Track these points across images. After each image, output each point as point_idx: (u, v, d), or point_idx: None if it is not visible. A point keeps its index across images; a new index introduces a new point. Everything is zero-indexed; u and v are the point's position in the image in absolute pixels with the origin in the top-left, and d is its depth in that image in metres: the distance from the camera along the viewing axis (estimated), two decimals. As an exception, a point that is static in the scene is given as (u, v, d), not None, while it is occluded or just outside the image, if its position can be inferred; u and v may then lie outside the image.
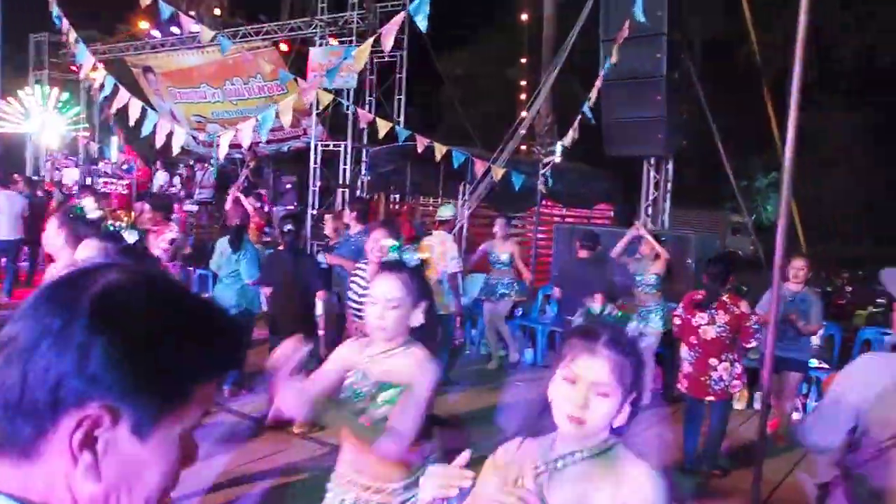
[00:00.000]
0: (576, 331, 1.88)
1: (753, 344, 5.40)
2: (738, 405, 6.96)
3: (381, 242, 5.03)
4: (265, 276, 6.10)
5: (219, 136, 9.07)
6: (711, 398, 5.39)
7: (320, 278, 6.10)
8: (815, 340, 8.27)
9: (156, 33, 17.16)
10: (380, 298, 2.51)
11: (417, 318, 2.55)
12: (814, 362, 7.47)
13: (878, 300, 11.79)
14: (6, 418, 0.73)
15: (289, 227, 6.06)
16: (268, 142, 15.99)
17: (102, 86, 8.68)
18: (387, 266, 2.64)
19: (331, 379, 2.59)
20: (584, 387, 1.66)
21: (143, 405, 0.76)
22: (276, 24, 15.47)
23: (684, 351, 5.59)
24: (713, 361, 5.33)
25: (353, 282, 5.38)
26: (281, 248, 6.10)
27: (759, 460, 4.22)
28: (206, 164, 15.55)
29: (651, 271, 7.38)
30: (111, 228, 3.46)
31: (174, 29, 14.47)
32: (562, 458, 1.71)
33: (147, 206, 7.84)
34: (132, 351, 0.75)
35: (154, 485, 0.80)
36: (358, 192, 13.26)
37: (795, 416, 6.91)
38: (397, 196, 14.71)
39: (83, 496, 0.75)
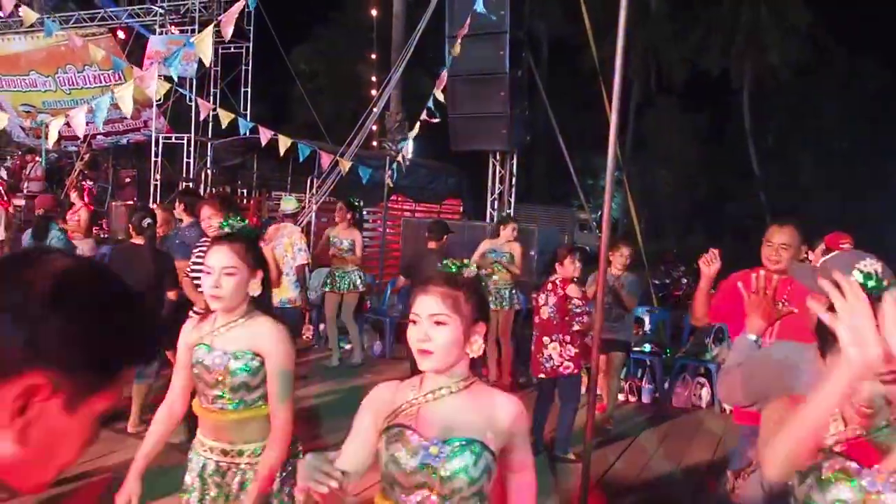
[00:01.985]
0: (415, 283, 2.07)
1: (576, 327, 5.61)
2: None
3: (210, 220, 4.88)
4: (118, 270, 5.74)
5: (47, 125, 8.52)
6: (542, 375, 5.65)
7: (174, 276, 5.83)
8: (647, 327, 8.79)
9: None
10: (214, 267, 2.47)
11: (256, 287, 2.53)
12: (647, 347, 7.90)
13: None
14: None
15: (148, 220, 5.74)
16: (106, 134, 15.19)
17: None
18: (220, 237, 2.60)
19: (183, 362, 2.61)
20: (423, 322, 1.87)
21: (80, 381, 0.84)
22: (112, 10, 14.73)
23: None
24: (545, 339, 5.60)
25: (196, 265, 5.04)
26: (138, 242, 5.71)
27: (588, 444, 4.37)
28: (35, 157, 14.55)
29: (505, 249, 7.62)
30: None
31: (-2, 11, 13.44)
32: (431, 393, 1.91)
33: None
34: (81, 330, 0.83)
35: (69, 457, 0.87)
36: (202, 186, 12.84)
37: (621, 396, 7.27)
38: (244, 191, 14.36)
39: (4, 456, 0.81)
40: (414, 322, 1.90)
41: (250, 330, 2.50)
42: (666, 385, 7.58)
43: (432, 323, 1.86)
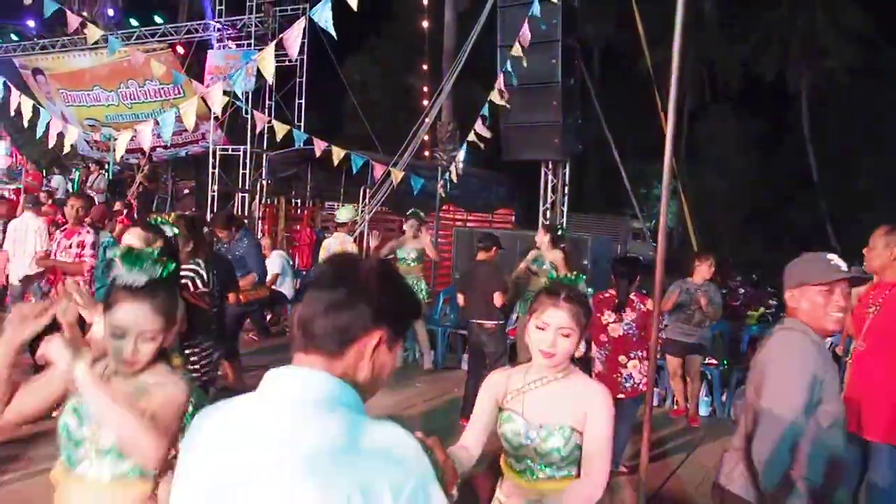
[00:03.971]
0: (542, 290, 2.45)
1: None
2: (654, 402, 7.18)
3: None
4: None
5: (115, 139, 8.78)
6: (622, 396, 5.37)
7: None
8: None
9: (45, 34, 16.49)
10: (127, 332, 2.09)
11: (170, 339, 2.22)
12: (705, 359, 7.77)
13: (770, 301, 12.37)
14: (333, 337, 1.30)
15: (204, 229, 5.88)
16: (165, 146, 15.58)
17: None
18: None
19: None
20: (552, 331, 2.30)
21: (396, 331, 1.38)
22: (171, 25, 15.11)
23: (594, 350, 5.58)
24: (622, 359, 5.39)
25: None
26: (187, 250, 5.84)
27: (645, 450, 4.31)
28: (99, 169, 14.99)
29: (548, 258, 7.46)
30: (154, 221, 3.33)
31: (64, 29, 13.96)
32: (536, 381, 2.38)
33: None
34: (396, 300, 1.38)
35: (385, 380, 1.41)
36: (258, 197, 13.07)
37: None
38: (298, 201, 14.56)
39: (362, 378, 1.34)
40: (541, 329, 2.33)
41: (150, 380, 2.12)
42: (724, 398, 7.43)
43: (560, 334, 2.30)
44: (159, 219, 2.94)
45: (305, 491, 1.16)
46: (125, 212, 9.03)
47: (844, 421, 2.58)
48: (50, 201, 10.92)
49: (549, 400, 2.35)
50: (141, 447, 1.93)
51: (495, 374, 2.52)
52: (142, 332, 2.05)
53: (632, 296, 5.47)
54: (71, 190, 15.46)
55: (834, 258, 2.50)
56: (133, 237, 3.25)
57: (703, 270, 6.74)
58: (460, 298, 7.54)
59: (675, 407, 7.05)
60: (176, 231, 3.02)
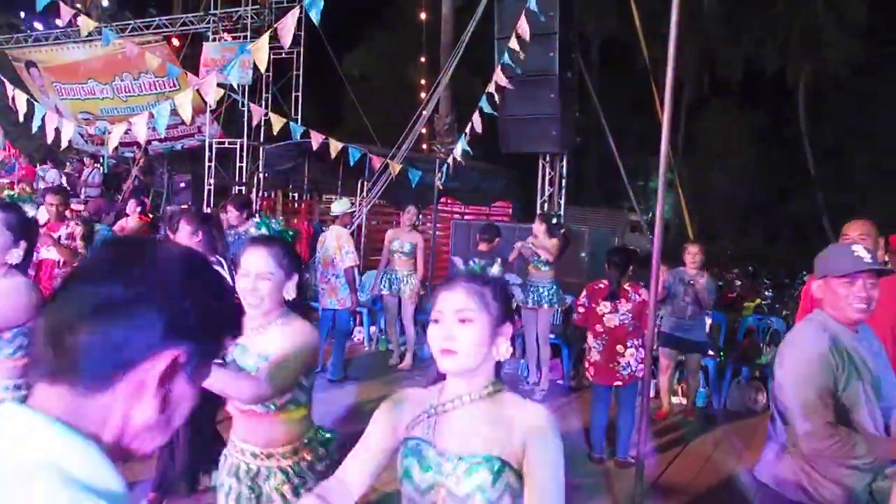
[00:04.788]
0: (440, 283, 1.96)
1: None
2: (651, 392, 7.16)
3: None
4: None
5: (109, 132, 8.74)
6: (619, 383, 5.48)
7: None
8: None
9: (38, 26, 16.41)
10: (250, 271, 2.47)
11: (291, 291, 2.52)
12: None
13: (766, 293, 12.41)
14: (97, 359, 0.87)
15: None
16: (161, 140, 15.54)
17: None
18: (256, 240, 2.59)
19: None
20: (448, 319, 1.73)
21: (203, 352, 0.96)
22: (167, 17, 15.05)
23: (591, 339, 5.64)
24: (619, 348, 5.45)
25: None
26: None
27: (641, 441, 4.31)
28: (94, 162, 14.94)
29: (544, 246, 7.44)
30: (11, 198, 3.29)
31: (58, 21, 13.86)
32: (451, 401, 1.76)
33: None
34: (206, 308, 0.95)
35: (179, 421, 0.97)
36: (255, 190, 13.03)
37: (675, 399, 7.19)
38: (296, 194, 14.53)
39: (137, 423, 0.91)
40: (436, 321, 1.75)
41: (283, 331, 2.48)
42: (721, 388, 7.44)
43: (457, 320, 1.72)
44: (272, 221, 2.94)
45: None
46: (139, 209, 9.02)
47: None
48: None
49: (469, 425, 1.74)
50: (252, 394, 2.29)
51: (401, 392, 1.92)
52: (259, 273, 2.44)
53: (626, 286, 5.53)
54: (65, 184, 15.42)
55: (858, 250, 2.58)
56: None
57: (689, 259, 6.73)
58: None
59: (660, 409, 6.85)
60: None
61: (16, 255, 2.70)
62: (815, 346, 2.52)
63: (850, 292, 2.53)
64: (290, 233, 2.77)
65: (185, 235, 4.49)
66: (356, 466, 1.85)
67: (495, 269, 1.86)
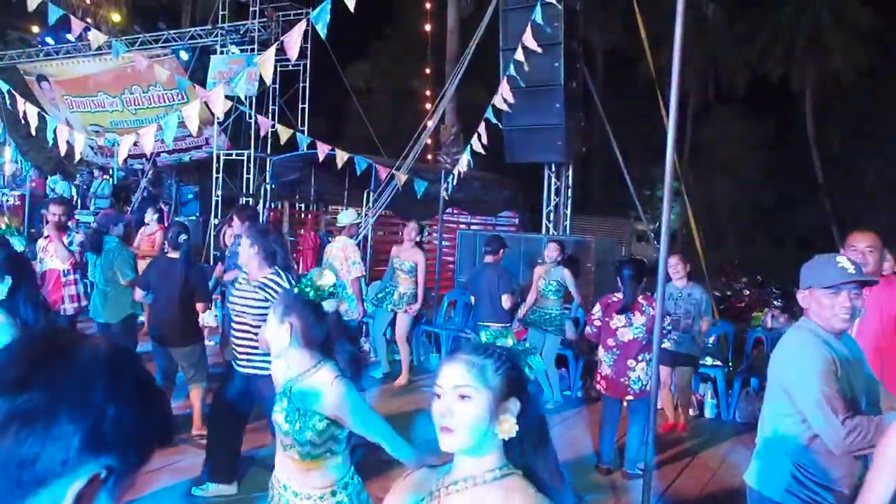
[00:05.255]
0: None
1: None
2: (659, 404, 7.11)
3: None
4: (149, 279, 5.93)
5: (118, 144, 8.81)
6: (630, 398, 5.45)
7: (205, 289, 6.05)
8: (710, 340, 8.59)
9: (50, 40, 16.56)
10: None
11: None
12: (708, 360, 7.73)
13: (775, 303, 12.37)
14: (5, 479, 0.77)
15: (183, 236, 5.93)
16: (169, 152, 15.64)
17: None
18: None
19: None
20: (447, 394, 1.63)
21: (128, 465, 0.85)
22: (175, 31, 15.17)
23: (602, 353, 5.59)
24: (631, 363, 5.39)
25: (234, 289, 4.82)
26: (173, 255, 5.92)
27: (649, 456, 4.31)
28: (104, 174, 15.06)
29: (554, 276, 7.40)
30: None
31: (69, 36, 14.00)
32: (453, 484, 1.65)
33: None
34: (133, 415, 0.84)
35: None
36: (262, 201, 13.10)
37: (691, 412, 7.16)
38: (302, 205, 14.58)
39: None
40: (438, 396, 1.66)
41: (317, 380, 2.64)
42: (729, 399, 7.41)
43: (456, 396, 1.61)
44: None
45: None
46: (156, 216, 9.11)
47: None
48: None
49: None
50: None
51: (410, 475, 1.84)
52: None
53: (640, 299, 5.46)
54: (75, 196, 15.53)
55: (842, 261, 2.67)
56: None
57: (671, 272, 6.30)
58: (473, 300, 7.53)
59: (666, 422, 6.75)
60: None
61: (1, 291, 2.74)
62: (817, 350, 2.58)
63: (835, 303, 2.60)
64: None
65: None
66: None
67: (508, 339, 1.73)
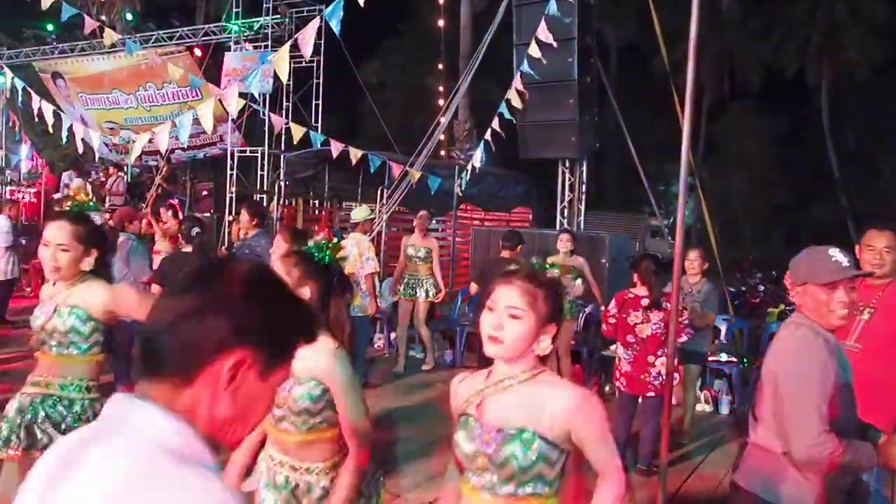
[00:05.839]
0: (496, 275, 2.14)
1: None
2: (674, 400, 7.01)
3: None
4: (163, 275, 5.94)
5: (133, 141, 8.87)
6: (651, 393, 5.41)
7: None
8: (724, 334, 8.53)
9: (64, 38, 16.66)
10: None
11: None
12: (724, 356, 7.67)
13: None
14: (179, 357, 1.06)
15: (196, 230, 5.95)
16: (183, 149, 15.69)
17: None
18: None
19: None
20: (499, 311, 1.98)
21: (271, 355, 1.11)
22: (189, 28, 15.21)
23: (620, 350, 5.57)
24: (651, 358, 5.37)
25: None
26: (186, 249, 5.94)
27: (664, 452, 4.29)
28: (118, 171, 15.14)
29: (570, 263, 7.42)
30: (77, 206, 3.35)
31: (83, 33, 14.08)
32: (495, 384, 2.03)
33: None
34: (269, 315, 1.11)
35: (259, 417, 1.15)
36: (276, 198, 13.13)
37: (698, 407, 7.12)
38: (316, 202, 14.60)
39: (219, 415, 1.08)
40: (490, 309, 2.00)
41: (315, 354, 2.40)
42: (744, 395, 7.37)
43: (507, 315, 1.96)
44: None
45: None
46: (170, 213, 9.14)
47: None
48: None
49: (511, 403, 2.01)
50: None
51: (455, 380, 2.26)
52: None
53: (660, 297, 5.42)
54: (91, 193, 15.60)
55: (836, 255, 2.55)
56: None
57: (688, 265, 6.23)
58: (472, 287, 7.55)
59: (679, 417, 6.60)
60: None
61: (87, 264, 2.90)
62: (815, 354, 2.49)
63: (832, 299, 2.51)
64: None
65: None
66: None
67: (553, 271, 2.14)
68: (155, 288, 5.99)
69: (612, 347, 6.49)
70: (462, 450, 2.06)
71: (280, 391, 2.46)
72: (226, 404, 1.08)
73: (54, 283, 2.99)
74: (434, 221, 11.63)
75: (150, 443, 1.00)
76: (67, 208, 3.04)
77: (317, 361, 2.43)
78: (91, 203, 3.23)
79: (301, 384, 2.46)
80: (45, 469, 1.06)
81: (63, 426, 2.84)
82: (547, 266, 2.20)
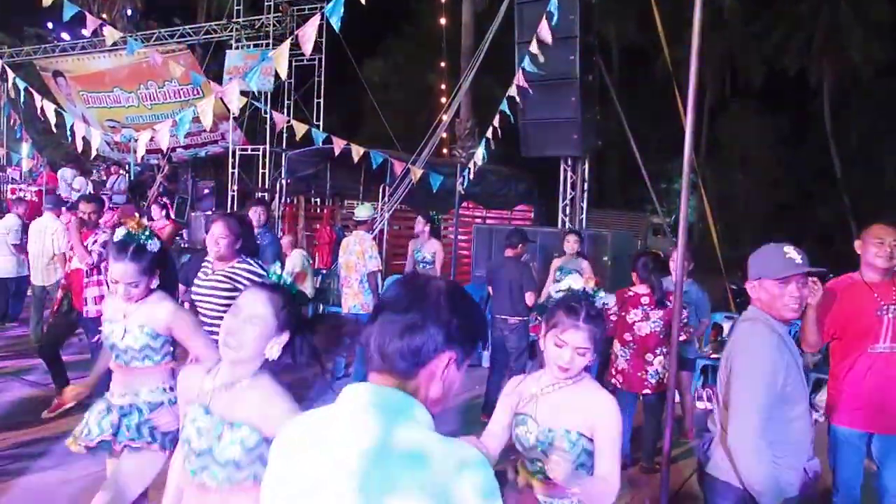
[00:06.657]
0: (561, 304, 2.49)
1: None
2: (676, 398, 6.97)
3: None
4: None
5: (135, 139, 8.86)
6: (648, 391, 5.39)
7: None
8: (726, 332, 8.48)
9: (65, 36, 16.66)
10: (241, 311, 2.17)
11: (273, 351, 2.20)
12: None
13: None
14: (406, 359, 1.38)
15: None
16: (185, 147, 15.69)
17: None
18: (258, 285, 2.31)
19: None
20: (569, 349, 2.43)
21: (465, 351, 1.44)
22: (190, 26, 15.20)
23: (617, 348, 5.51)
24: (649, 357, 5.34)
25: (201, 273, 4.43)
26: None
27: (666, 451, 4.27)
28: (120, 170, 15.13)
29: (573, 268, 7.41)
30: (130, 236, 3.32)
31: (84, 31, 14.09)
32: (549, 387, 2.49)
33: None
34: (466, 322, 1.43)
35: (453, 393, 1.49)
36: (277, 196, 13.12)
37: (699, 405, 7.09)
38: (318, 200, 14.60)
39: (433, 395, 1.42)
40: (559, 346, 2.44)
41: (252, 395, 2.16)
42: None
43: (576, 353, 2.42)
44: None
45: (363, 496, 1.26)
46: (163, 213, 9.13)
47: (809, 412, 2.79)
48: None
49: (559, 405, 2.46)
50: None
51: (513, 381, 2.67)
52: (251, 317, 2.27)
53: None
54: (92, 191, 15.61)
55: (790, 251, 2.72)
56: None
57: (672, 266, 5.65)
58: (490, 291, 7.49)
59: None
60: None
61: (153, 283, 3.18)
62: (767, 353, 2.63)
63: (784, 293, 2.69)
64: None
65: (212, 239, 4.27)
66: (492, 438, 2.55)
67: (603, 298, 2.54)
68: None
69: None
70: (522, 444, 2.51)
71: (198, 441, 2.20)
72: (437, 390, 1.42)
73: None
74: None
75: (411, 419, 1.35)
76: (123, 238, 3.14)
77: (255, 404, 2.13)
78: (146, 231, 3.26)
79: (234, 431, 2.15)
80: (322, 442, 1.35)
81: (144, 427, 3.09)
82: (597, 291, 2.53)
